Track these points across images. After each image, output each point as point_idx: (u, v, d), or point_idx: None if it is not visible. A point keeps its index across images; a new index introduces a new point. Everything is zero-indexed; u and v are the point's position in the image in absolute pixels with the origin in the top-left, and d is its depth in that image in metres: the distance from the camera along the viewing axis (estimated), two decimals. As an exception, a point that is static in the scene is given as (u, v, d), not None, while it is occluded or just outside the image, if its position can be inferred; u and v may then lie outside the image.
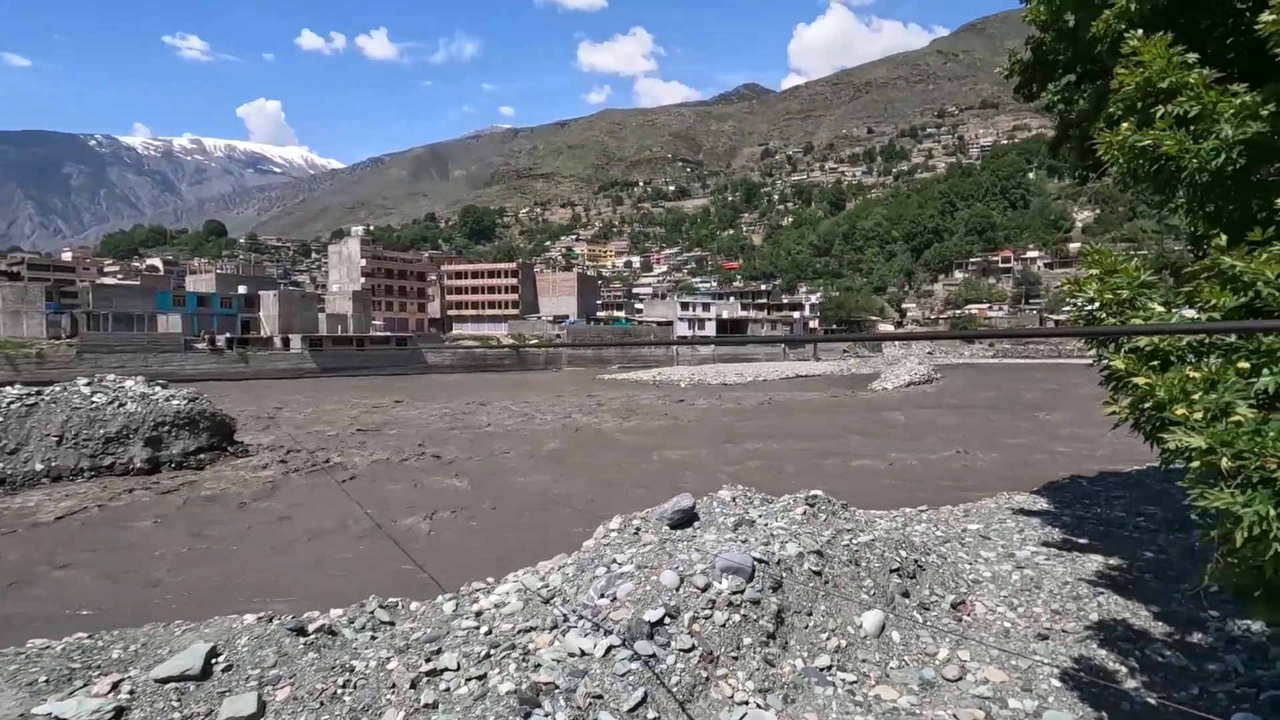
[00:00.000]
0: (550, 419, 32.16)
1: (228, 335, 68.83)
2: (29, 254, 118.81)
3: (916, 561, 7.77)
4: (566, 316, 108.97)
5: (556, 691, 5.02)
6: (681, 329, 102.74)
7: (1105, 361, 4.11)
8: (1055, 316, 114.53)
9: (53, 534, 13.22)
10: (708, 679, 5.41)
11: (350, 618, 7.09)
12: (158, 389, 20.66)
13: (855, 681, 5.68)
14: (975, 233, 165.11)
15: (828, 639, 6.16)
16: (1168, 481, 13.71)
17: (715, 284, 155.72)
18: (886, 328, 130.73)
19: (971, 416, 32.38)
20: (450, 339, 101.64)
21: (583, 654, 5.48)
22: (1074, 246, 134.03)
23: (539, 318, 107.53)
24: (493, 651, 5.68)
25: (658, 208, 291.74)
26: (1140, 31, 4.68)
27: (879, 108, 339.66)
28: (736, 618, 6.00)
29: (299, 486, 17.62)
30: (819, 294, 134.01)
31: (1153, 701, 5.16)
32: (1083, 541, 9.78)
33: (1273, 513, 2.97)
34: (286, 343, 70.90)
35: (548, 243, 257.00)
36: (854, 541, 7.76)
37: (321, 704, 5.11)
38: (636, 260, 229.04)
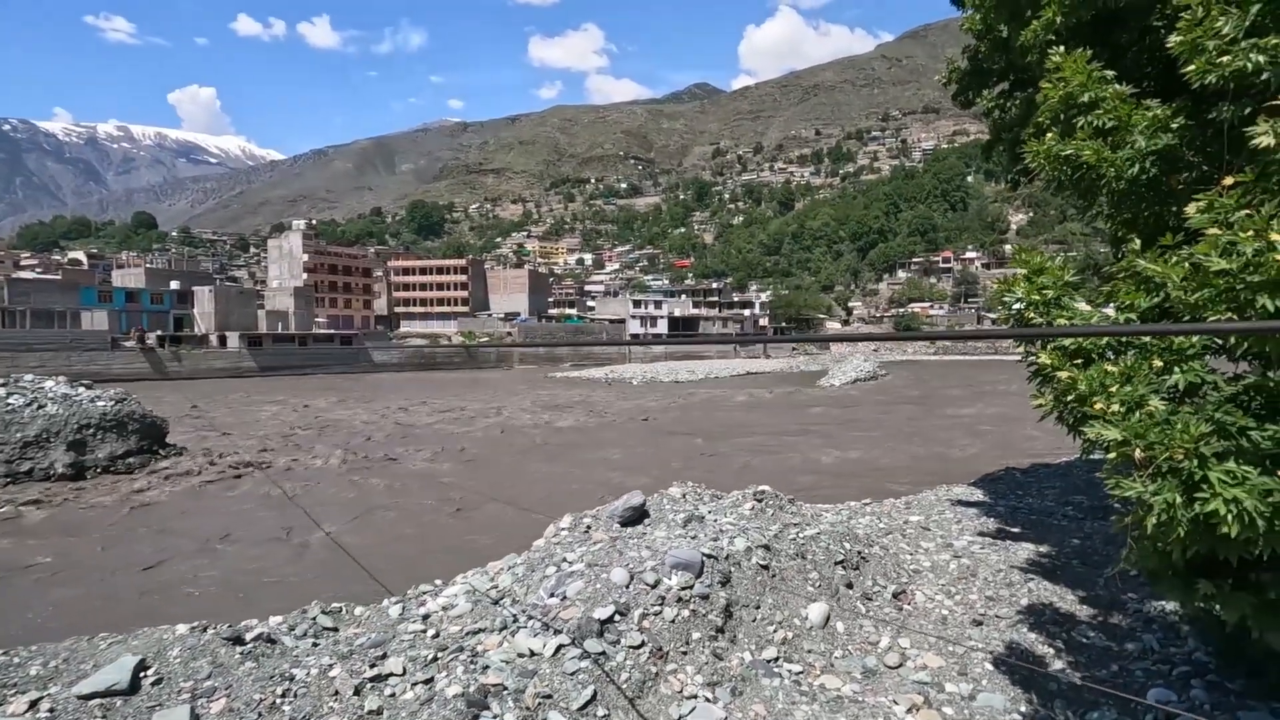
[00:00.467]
0: (499, 418, 31.79)
1: (159, 333, 65.46)
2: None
3: (860, 553, 8.00)
4: (518, 314, 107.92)
5: (505, 692, 4.98)
6: (634, 327, 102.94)
7: (1032, 358, 4.33)
8: (991, 315, 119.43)
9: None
10: (657, 674, 5.45)
11: (291, 625, 6.86)
12: (82, 390, 19.53)
13: (801, 672, 5.82)
14: (918, 234, 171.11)
15: (775, 631, 6.29)
16: (1094, 472, 14.45)
17: (667, 282, 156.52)
18: (834, 326, 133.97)
19: (913, 410, 33.47)
20: (398, 337, 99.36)
21: (532, 654, 5.45)
22: (1008, 248, 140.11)
23: (490, 315, 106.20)
24: (440, 654, 5.60)
25: (610, 205, 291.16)
26: (1062, 48, 4.97)
27: (826, 110, 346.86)
28: (686, 613, 6.07)
29: (235, 490, 16.94)
30: (769, 292, 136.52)
31: (1077, 681, 5.45)
32: (1016, 530, 10.23)
33: (1179, 500, 3.17)
34: (223, 340, 67.96)
35: (499, 239, 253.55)
36: (800, 535, 7.94)
37: (259, 715, 4.93)
38: (589, 258, 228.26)
